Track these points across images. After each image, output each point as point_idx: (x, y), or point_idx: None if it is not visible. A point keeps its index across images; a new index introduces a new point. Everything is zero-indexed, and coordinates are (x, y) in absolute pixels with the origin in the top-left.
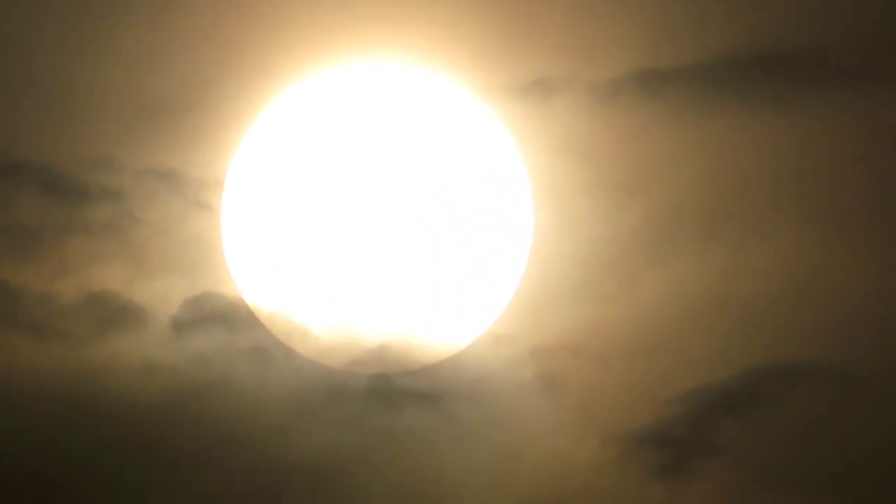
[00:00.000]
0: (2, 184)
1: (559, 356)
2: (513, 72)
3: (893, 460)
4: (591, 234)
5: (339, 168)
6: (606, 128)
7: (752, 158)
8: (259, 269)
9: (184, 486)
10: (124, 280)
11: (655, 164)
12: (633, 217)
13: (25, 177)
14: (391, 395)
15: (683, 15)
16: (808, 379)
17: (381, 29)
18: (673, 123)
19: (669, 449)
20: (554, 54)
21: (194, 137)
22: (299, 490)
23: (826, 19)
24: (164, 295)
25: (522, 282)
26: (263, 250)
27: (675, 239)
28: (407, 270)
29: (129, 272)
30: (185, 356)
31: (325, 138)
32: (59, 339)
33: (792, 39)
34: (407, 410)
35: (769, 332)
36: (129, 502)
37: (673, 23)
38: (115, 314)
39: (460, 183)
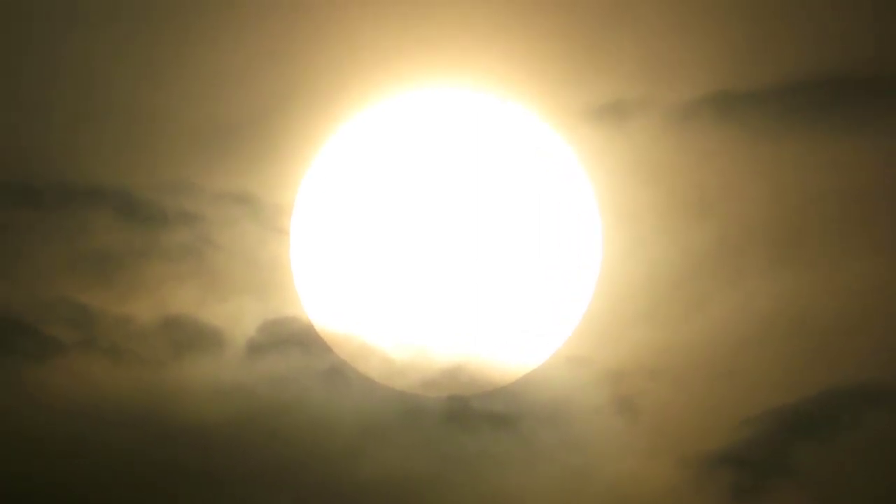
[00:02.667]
0: (80, 209)
1: (631, 377)
2: (584, 96)
3: None
4: (660, 255)
5: (408, 192)
6: (678, 150)
7: (823, 181)
8: (331, 292)
9: None
10: (200, 303)
11: (726, 186)
12: (703, 238)
13: (103, 202)
14: (466, 417)
15: (758, 38)
16: (883, 401)
17: (450, 54)
18: (745, 146)
19: (744, 471)
20: (627, 77)
21: (269, 160)
22: None
23: None
24: (238, 318)
25: (592, 303)
26: (335, 274)
27: (744, 260)
28: (477, 291)
29: (205, 295)
30: (259, 379)
31: (394, 162)
32: (137, 362)
33: (867, 64)
34: (482, 432)
35: (842, 354)
36: None
37: (748, 45)
38: (191, 337)
39: (531, 206)
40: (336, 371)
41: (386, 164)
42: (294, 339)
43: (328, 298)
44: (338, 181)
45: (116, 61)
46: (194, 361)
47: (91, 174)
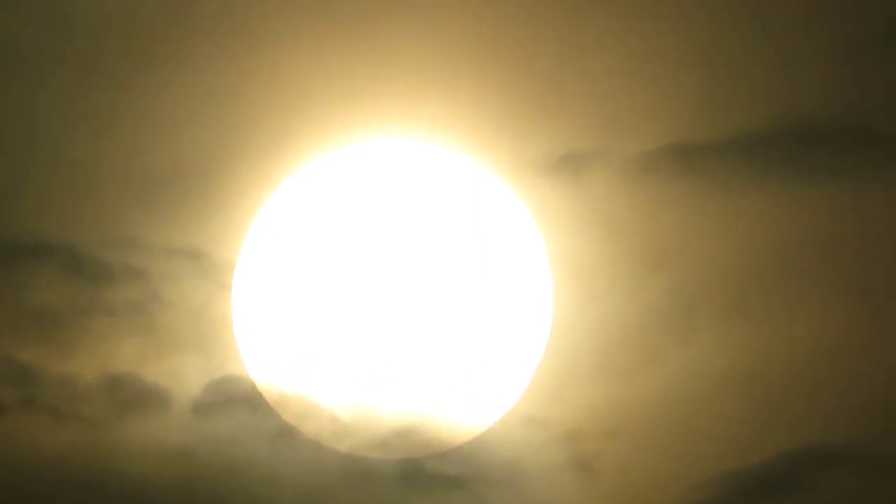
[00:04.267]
0: (22, 265)
1: (587, 437)
2: (537, 148)
3: None
4: (614, 310)
5: (355, 246)
6: (634, 203)
7: (782, 232)
8: (277, 350)
9: None
10: (145, 361)
11: (682, 239)
12: (657, 292)
13: (46, 257)
14: (419, 480)
15: (717, 88)
16: (843, 463)
17: (400, 104)
18: (703, 198)
19: None
20: (582, 129)
21: (214, 212)
22: None
23: (862, 92)
24: (183, 377)
25: (544, 360)
26: (281, 331)
27: (699, 314)
28: (425, 350)
29: (150, 353)
30: (204, 440)
31: (342, 215)
32: (79, 423)
33: (829, 115)
34: (435, 495)
35: (799, 413)
36: None
37: (706, 96)
38: (135, 396)
39: (482, 261)
40: (283, 433)
41: (333, 217)
42: (239, 399)
43: (273, 357)
44: (283, 235)
45: (59, 110)
46: (138, 421)
47: (33, 228)
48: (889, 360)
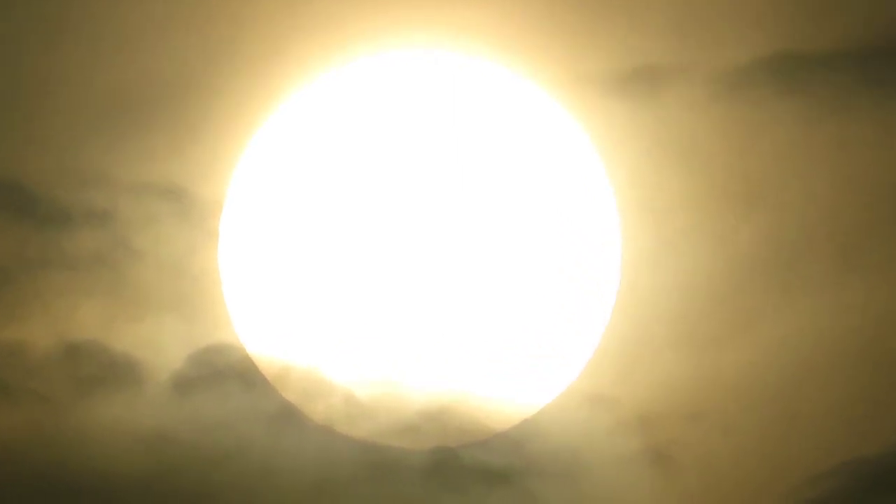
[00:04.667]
0: None
1: (665, 421)
2: (602, 61)
3: None
4: (697, 263)
5: (374, 183)
6: (722, 129)
7: None
8: (279, 313)
9: None
10: (113, 327)
11: (782, 174)
12: (751, 241)
13: None
14: (453, 473)
15: None
16: None
17: (421, 6)
18: (810, 121)
19: None
20: (659, 39)
21: (197, 141)
22: None
23: None
24: (162, 346)
25: (611, 324)
26: (284, 290)
27: (804, 267)
28: (461, 314)
29: (119, 317)
30: (186, 423)
31: (355, 145)
32: (33, 402)
33: None
34: (474, 492)
35: None
36: None
37: None
38: (101, 370)
39: (531, 201)
40: (285, 415)
41: (345, 147)
42: (231, 373)
43: (272, 322)
44: (283, 168)
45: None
46: (105, 401)
47: None
48: None
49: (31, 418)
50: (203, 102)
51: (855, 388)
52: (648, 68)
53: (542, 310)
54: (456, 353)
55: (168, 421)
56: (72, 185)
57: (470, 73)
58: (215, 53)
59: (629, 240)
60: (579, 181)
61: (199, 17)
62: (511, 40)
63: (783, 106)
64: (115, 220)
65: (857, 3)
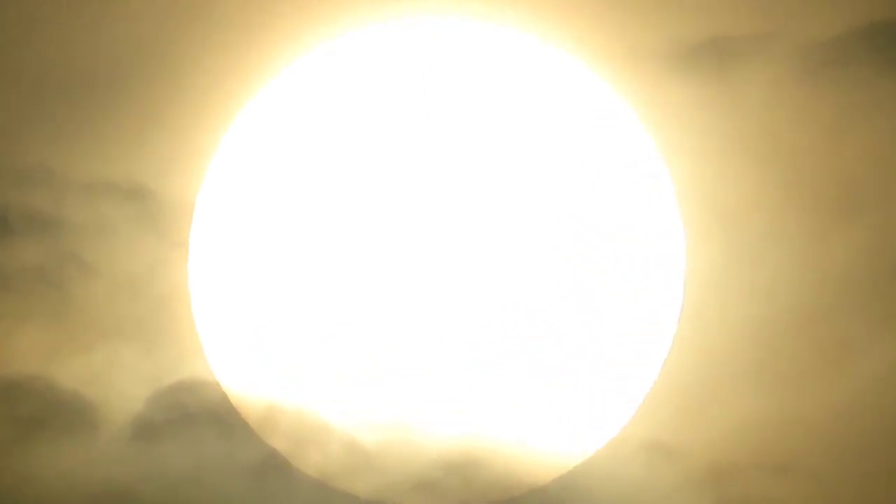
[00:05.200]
0: None
1: (739, 472)
2: (656, 32)
3: None
4: (780, 277)
5: (374, 183)
6: (810, 114)
7: None
8: (261, 344)
9: None
10: (59, 359)
11: (887, 170)
12: (847, 252)
13: None
14: None
15: None
16: None
17: None
18: None
19: None
20: (729, 5)
21: (161, 134)
22: None
23: None
24: (118, 383)
25: (670, 356)
26: (265, 314)
27: None
28: (488, 343)
29: (67, 347)
30: (150, 477)
31: (352, 136)
32: None
33: None
34: None
35: None
36: None
37: None
38: (46, 412)
39: (573, 205)
40: (270, 466)
41: (342, 138)
42: (204, 415)
43: (257, 353)
44: (265, 165)
45: None
46: (51, 449)
47: None
48: None
49: None
50: (169, 84)
51: None
52: (716, 41)
53: (587, 338)
54: (482, 391)
55: (126, 474)
56: (7, 185)
57: (503, 47)
58: (184, 23)
59: (693, 251)
60: (633, 178)
61: None
62: (552, 9)
63: (885, 86)
64: (62, 228)
65: None
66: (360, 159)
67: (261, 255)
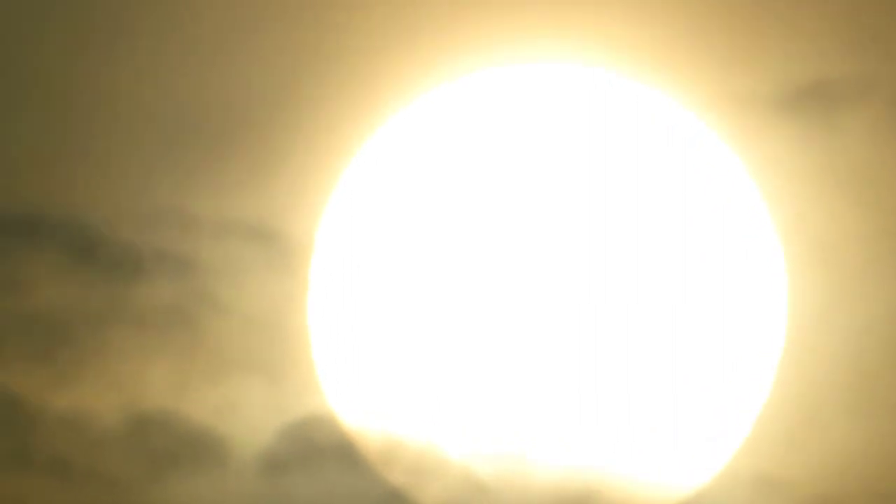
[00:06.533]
0: (11, 251)
1: (843, 500)
2: (759, 76)
3: None
4: (878, 312)
5: (489, 222)
6: None
7: None
8: (382, 381)
9: None
10: (192, 395)
11: None
12: None
13: (44, 240)
14: None
15: None
16: None
17: (548, 12)
18: None
19: None
20: (830, 49)
21: (290, 171)
22: None
23: None
24: (250, 417)
25: (774, 389)
26: (389, 353)
27: None
28: (598, 378)
29: (200, 383)
30: None
31: (467, 177)
32: (96, 483)
33: None
34: None
35: None
36: None
37: None
38: (177, 446)
39: (676, 241)
40: (392, 500)
41: (459, 178)
42: (329, 449)
43: (377, 388)
44: (385, 203)
45: (46, 31)
46: (182, 482)
47: (27, 199)
48: None
49: (93, 501)
50: (292, 128)
51: None
52: (820, 86)
53: (694, 374)
54: (594, 424)
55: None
56: (142, 226)
57: (607, 92)
58: (305, 67)
59: (796, 290)
60: (736, 221)
61: (285, 25)
62: (655, 53)
63: None
64: (193, 267)
65: None
66: (474, 199)
67: (378, 295)
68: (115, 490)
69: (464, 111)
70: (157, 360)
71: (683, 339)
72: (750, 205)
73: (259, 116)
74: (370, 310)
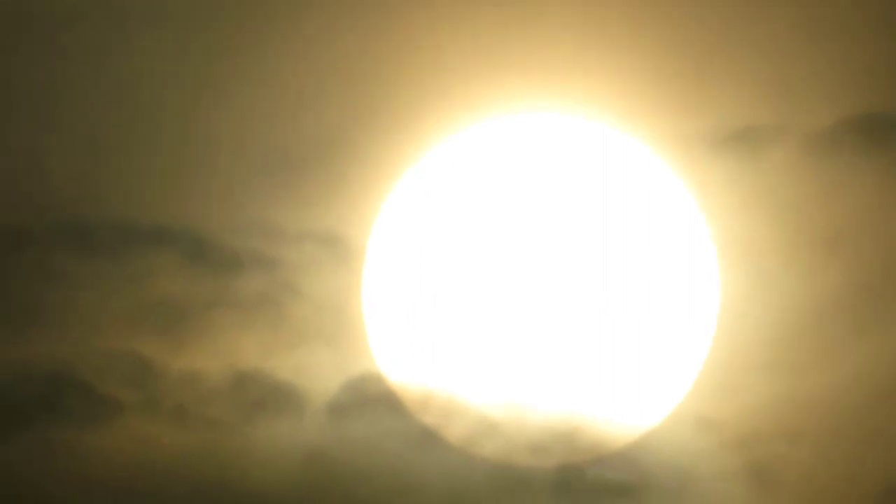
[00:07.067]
0: (142, 253)
1: (763, 440)
2: (705, 123)
3: None
4: (787, 298)
5: (497, 230)
6: (811, 182)
7: None
8: (418, 346)
9: None
10: (276, 359)
11: (864, 221)
12: (834, 280)
13: (167, 244)
14: (579, 487)
15: None
16: None
17: (550, 74)
18: (889, 176)
19: None
20: (757, 101)
21: (348, 193)
22: None
23: None
24: (319, 375)
25: (712, 352)
26: (421, 325)
27: (882, 302)
28: (581, 344)
29: (282, 349)
30: (339, 443)
31: (481, 196)
32: (204, 424)
33: None
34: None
35: None
36: None
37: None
38: (265, 396)
39: (638, 247)
40: (425, 436)
41: (474, 198)
42: (378, 399)
43: (413, 353)
44: (420, 215)
45: (177, 86)
46: (268, 423)
47: (154, 213)
48: None
49: (203, 438)
50: (351, 158)
51: None
52: (748, 130)
53: (649, 341)
54: (577, 378)
55: (323, 441)
56: (240, 233)
57: (585, 135)
58: (360, 116)
59: (727, 280)
60: (683, 231)
61: (346, 81)
62: (623, 104)
63: (863, 164)
64: (278, 265)
65: None
66: (482, 211)
67: (415, 283)
68: (220, 430)
69: (475, 150)
70: (250, 333)
71: (643, 316)
72: (693, 220)
73: (327, 150)
74: (409, 295)
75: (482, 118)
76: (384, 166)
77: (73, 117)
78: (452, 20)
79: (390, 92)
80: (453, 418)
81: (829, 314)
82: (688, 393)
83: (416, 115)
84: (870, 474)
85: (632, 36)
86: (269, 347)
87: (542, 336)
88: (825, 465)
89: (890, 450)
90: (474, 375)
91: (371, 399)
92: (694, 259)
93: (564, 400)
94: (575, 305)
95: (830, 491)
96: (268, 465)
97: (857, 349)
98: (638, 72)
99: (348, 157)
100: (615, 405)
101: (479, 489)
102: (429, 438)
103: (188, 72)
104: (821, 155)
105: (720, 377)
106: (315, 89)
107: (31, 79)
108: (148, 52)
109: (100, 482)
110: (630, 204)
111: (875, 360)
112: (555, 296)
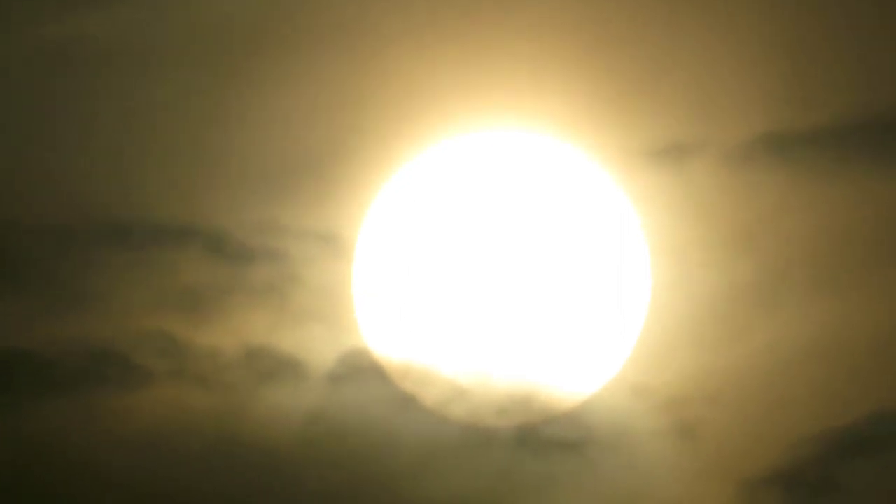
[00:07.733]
0: (171, 247)
1: (687, 403)
2: (640, 137)
3: None
4: (708, 285)
5: (464, 228)
6: (729, 189)
7: (864, 217)
8: (400, 324)
9: None
10: (282, 335)
11: (770, 223)
12: (747, 270)
13: (192, 240)
14: (536, 444)
15: (812, 79)
16: None
17: (505, 95)
18: (793, 185)
19: (796, 491)
20: (684, 119)
21: (339, 196)
22: None
23: None
24: (318, 350)
25: (645, 330)
26: (403, 307)
27: (786, 289)
28: (536, 323)
29: (287, 328)
30: (336, 407)
31: (452, 200)
32: (222, 390)
33: None
34: (553, 458)
35: (882, 377)
36: None
37: (798, 87)
38: (273, 367)
39: (584, 242)
40: (405, 400)
41: (446, 200)
42: (367, 369)
43: (396, 329)
44: (399, 216)
45: (199, 109)
46: (275, 390)
47: (181, 214)
48: None
49: (220, 402)
50: (345, 163)
51: (826, 377)
52: (676, 144)
53: (593, 320)
54: (533, 350)
55: (320, 404)
56: (251, 231)
57: (538, 148)
58: (350, 131)
59: (659, 270)
60: (619, 228)
61: (336, 105)
62: (571, 121)
63: (774, 173)
64: (283, 256)
65: (834, 89)
66: (450, 215)
67: (397, 272)
68: (234, 394)
69: (445, 162)
70: (260, 314)
71: (588, 299)
72: (630, 220)
73: (323, 161)
74: (392, 282)
75: (452, 133)
76: (371, 174)
77: (113, 137)
78: (425, 52)
79: (373, 112)
80: (429, 385)
81: (743, 298)
82: (625, 363)
83: (395, 132)
84: (777, 432)
85: (578, 63)
86: (276, 326)
87: (504, 315)
88: (739, 424)
89: (793, 411)
90: (447, 349)
91: (360, 369)
92: (630, 253)
93: (523, 369)
94: (532, 290)
95: (744, 446)
96: (275, 423)
97: (767, 327)
98: (583, 94)
99: (341, 166)
100: (565, 373)
101: (451, 445)
102: (408, 402)
103: (207, 99)
104: (736, 165)
105: (652, 350)
106: (312, 110)
107: (77, 107)
108: (172, 83)
109: (134, 438)
110: (576, 205)
111: (781, 336)
112: (514, 282)
